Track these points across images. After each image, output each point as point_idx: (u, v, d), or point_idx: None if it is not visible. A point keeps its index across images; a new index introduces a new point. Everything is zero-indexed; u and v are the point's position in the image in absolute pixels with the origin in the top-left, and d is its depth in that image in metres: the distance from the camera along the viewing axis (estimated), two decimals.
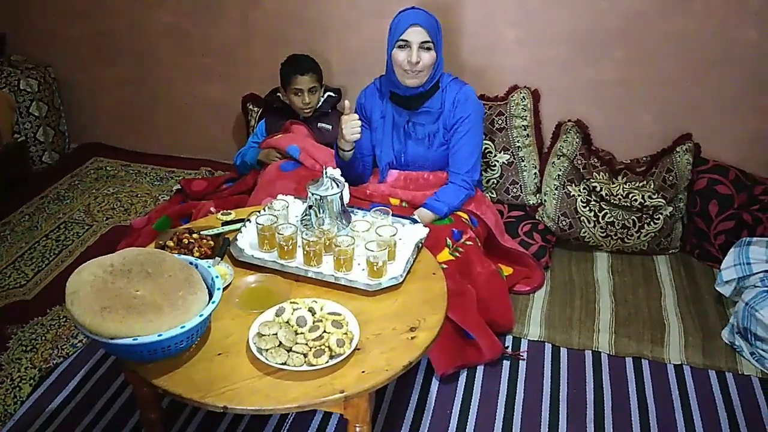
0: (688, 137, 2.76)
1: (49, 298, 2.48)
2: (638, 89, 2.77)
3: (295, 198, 2.12)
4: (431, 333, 1.61)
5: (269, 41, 3.09)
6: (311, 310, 1.58)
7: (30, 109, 3.29)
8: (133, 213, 3.06)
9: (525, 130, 2.84)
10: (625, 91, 2.79)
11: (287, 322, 1.55)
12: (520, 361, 2.22)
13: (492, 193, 2.88)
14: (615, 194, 2.68)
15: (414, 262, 1.85)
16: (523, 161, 2.85)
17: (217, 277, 1.55)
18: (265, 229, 1.84)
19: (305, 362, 1.46)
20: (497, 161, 2.84)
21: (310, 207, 1.91)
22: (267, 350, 1.47)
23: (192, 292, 1.47)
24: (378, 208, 1.99)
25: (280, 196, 2.07)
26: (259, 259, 1.83)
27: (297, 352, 1.47)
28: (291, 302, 1.61)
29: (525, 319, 2.39)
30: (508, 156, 2.84)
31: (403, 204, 2.45)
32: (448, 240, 2.28)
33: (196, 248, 1.83)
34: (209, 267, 1.58)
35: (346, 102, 2.26)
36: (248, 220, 1.98)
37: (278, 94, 2.89)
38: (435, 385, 2.12)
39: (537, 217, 2.82)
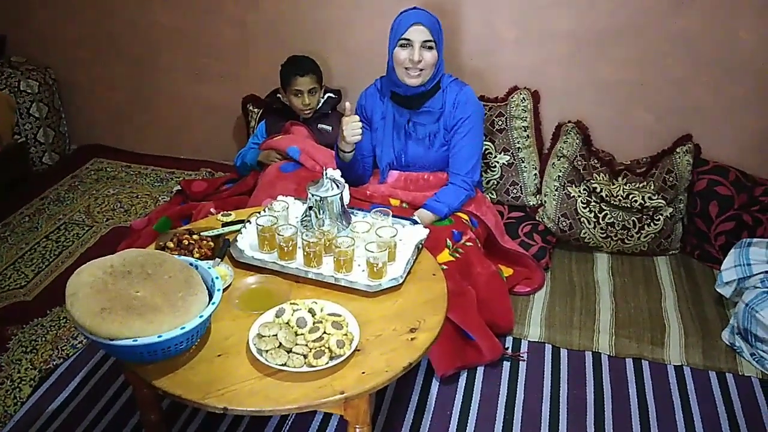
0: (688, 138, 2.76)
1: (49, 299, 2.48)
2: (638, 90, 2.77)
3: (295, 199, 2.12)
4: (431, 334, 1.60)
5: (269, 42, 3.09)
6: (311, 311, 1.58)
7: (30, 110, 3.29)
8: (133, 214, 3.07)
9: (525, 131, 2.84)
10: (625, 92, 2.79)
11: (287, 323, 1.55)
12: (521, 362, 2.22)
13: (492, 194, 2.88)
14: (615, 195, 2.68)
15: (414, 263, 1.85)
16: (523, 162, 2.85)
17: (217, 278, 1.55)
18: (265, 230, 1.84)
19: (305, 363, 1.46)
20: (497, 162, 2.84)
21: (310, 208, 1.91)
22: (267, 351, 1.47)
23: (192, 293, 1.46)
24: (378, 209, 1.99)
25: (280, 197, 2.07)
26: (259, 260, 1.83)
27: (297, 353, 1.47)
28: (291, 303, 1.61)
29: (525, 320, 2.39)
30: (508, 157, 2.84)
31: (404, 205, 2.45)
32: (448, 241, 2.28)
33: (196, 249, 1.83)
34: (209, 268, 1.58)
35: (347, 103, 2.26)
36: (248, 221, 1.98)
37: (278, 95, 2.90)
38: (435, 386, 2.12)
39: (537, 218, 2.82)
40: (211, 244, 1.88)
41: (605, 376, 2.18)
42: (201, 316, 1.43)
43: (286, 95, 2.81)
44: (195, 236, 1.88)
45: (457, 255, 2.26)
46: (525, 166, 2.85)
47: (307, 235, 1.78)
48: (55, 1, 3.32)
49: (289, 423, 1.99)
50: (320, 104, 2.85)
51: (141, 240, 2.53)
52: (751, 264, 2.32)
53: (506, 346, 2.27)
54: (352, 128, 2.25)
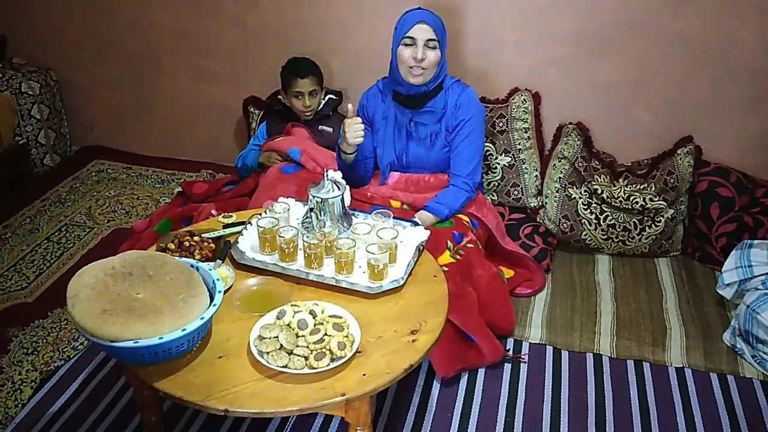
0: (689, 139, 2.76)
1: (50, 301, 2.48)
2: (639, 91, 2.77)
3: (296, 201, 2.12)
4: (432, 336, 1.60)
5: (270, 44, 3.09)
6: (312, 313, 1.58)
7: (31, 111, 3.29)
8: (134, 216, 3.07)
9: (526, 132, 2.84)
10: (625, 94, 2.79)
11: (288, 325, 1.55)
12: (522, 364, 2.22)
13: (493, 196, 2.88)
14: (616, 197, 2.67)
15: (415, 264, 1.85)
16: (524, 164, 2.85)
17: (218, 279, 1.55)
18: (266, 231, 1.84)
19: (306, 365, 1.46)
20: (498, 164, 2.84)
21: (311, 210, 1.91)
22: (268, 353, 1.47)
23: (193, 295, 1.46)
24: (379, 210, 1.99)
25: (281, 199, 2.07)
26: (260, 261, 1.83)
27: (298, 355, 1.47)
28: (292, 305, 1.61)
29: (526, 322, 2.39)
30: (509, 158, 2.84)
31: (404, 206, 2.45)
32: (449, 243, 2.28)
33: (197, 251, 1.83)
34: (210, 270, 1.58)
35: (350, 105, 2.26)
36: (249, 222, 1.98)
37: (279, 96, 2.90)
38: (436, 387, 2.12)
39: (538, 220, 2.82)
40: (212, 245, 1.88)
41: (606, 377, 2.17)
42: (202, 318, 1.43)
43: (287, 97, 2.82)
44: (196, 238, 1.88)
45: (458, 257, 2.26)
46: (526, 168, 2.85)
47: (308, 237, 1.78)
48: (56, 2, 3.32)
49: (290, 425, 1.99)
50: (321, 106, 2.85)
51: (142, 242, 2.53)
52: (752, 266, 2.32)
53: (507, 348, 2.27)
54: (354, 130, 2.25)
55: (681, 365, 2.22)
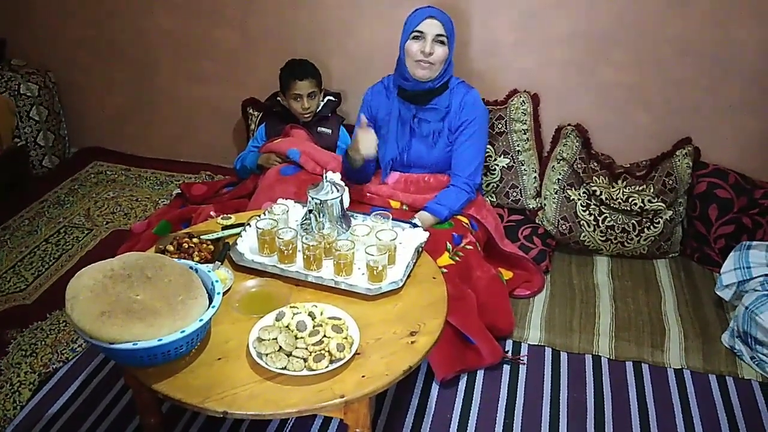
0: (687, 141, 2.77)
1: (48, 303, 2.48)
2: (638, 93, 2.78)
3: (295, 202, 2.12)
4: (431, 337, 1.61)
5: (269, 46, 3.10)
6: (311, 315, 1.58)
7: (30, 113, 3.29)
8: (132, 217, 3.07)
9: (525, 134, 2.85)
10: (624, 95, 2.80)
11: (287, 326, 1.55)
12: (521, 366, 2.22)
13: (492, 197, 2.88)
14: (615, 198, 2.68)
15: (414, 266, 1.85)
16: (522, 165, 2.85)
17: (216, 281, 1.55)
18: (265, 233, 1.84)
19: (305, 367, 1.46)
20: (497, 165, 2.85)
21: (310, 211, 1.91)
22: (267, 355, 1.47)
23: (192, 297, 1.47)
24: (378, 212, 1.99)
25: (280, 201, 2.07)
26: (259, 263, 1.83)
27: (297, 357, 1.47)
28: (291, 307, 1.61)
29: (525, 323, 2.39)
30: (508, 160, 2.84)
31: (404, 207, 2.45)
32: (448, 244, 2.28)
33: (196, 253, 1.84)
34: (209, 271, 1.58)
35: (363, 117, 2.26)
36: (248, 224, 1.98)
37: (278, 98, 2.90)
38: (435, 389, 2.12)
39: (537, 221, 2.82)
40: (211, 247, 1.88)
41: (605, 379, 2.18)
42: (201, 320, 1.43)
43: (286, 99, 2.82)
44: (195, 240, 1.88)
45: (457, 258, 2.26)
46: (525, 169, 2.85)
47: (307, 239, 1.78)
48: (55, 4, 3.32)
49: (289, 427, 1.99)
50: (320, 107, 2.85)
51: (141, 243, 2.53)
52: (750, 267, 2.32)
53: (506, 350, 2.27)
54: (367, 140, 2.26)
55: (680, 367, 2.22)
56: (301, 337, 1.52)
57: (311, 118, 2.83)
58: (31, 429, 1.96)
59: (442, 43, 2.29)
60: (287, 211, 1.96)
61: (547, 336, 2.34)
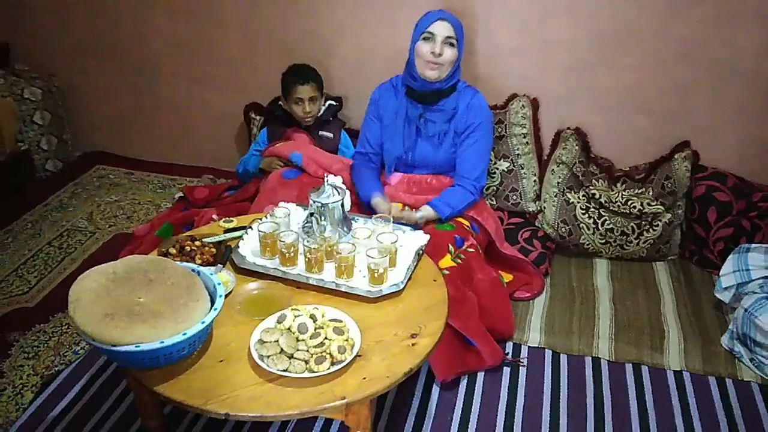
0: (686, 144, 2.78)
1: (51, 306, 2.49)
2: (637, 97, 2.79)
3: (296, 205, 2.13)
4: (432, 339, 1.61)
5: (271, 50, 3.11)
6: (312, 317, 1.59)
7: (33, 117, 3.31)
8: (135, 221, 3.08)
9: (524, 137, 2.86)
10: (623, 99, 2.80)
11: (288, 329, 1.56)
12: (521, 368, 2.23)
13: (492, 201, 2.89)
14: (614, 201, 2.69)
15: (415, 268, 1.86)
16: (522, 169, 2.86)
17: (219, 284, 1.56)
18: (266, 236, 1.85)
19: (306, 369, 1.47)
20: (497, 169, 2.86)
21: (311, 214, 1.92)
22: (268, 357, 1.48)
23: (194, 299, 1.47)
24: (379, 215, 2.00)
25: (281, 204, 2.09)
26: (260, 266, 1.84)
27: (298, 359, 1.48)
28: (292, 309, 1.62)
29: (525, 326, 2.40)
30: (508, 163, 2.86)
31: (406, 208, 2.46)
32: (451, 246, 2.29)
33: (198, 255, 1.84)
34: (211, 274, 1.59)
35: (394, 208, 2.35)
36: (250, 227, 1.99)
37: (280, 102, 2.91)
38: (436, 391, 2.13)
39: (536, 224, 2.83)
40: (213, 250, 1.89)
41: (605, 381, 2.18)
42: (203, 322, 1.44)
43: (287, 103, 2.83)
44: (197, 242, 1.89)
45: (459, 261, 2.27)
46: (524, 173, 2.86)
47: (308, 242, 1.79)
48: (58, 9, 3.34)
49: (290, 429, 1.99)
50: (321, 112, 2.86)
51: (143, 246, 2.54)
52: (749, 269, 2.33)
53: (506, 352, 2.28)
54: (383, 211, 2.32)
55: (679, 369, 2.23)
56: (303, 340, 1.53)
57: (313, 122, 2.84)
58: (33, 431, 1.97)
59: (451, 45, 2.32)
60: (289, 214, 1.97)
61: (547, 338, 2.34)
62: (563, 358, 2.27)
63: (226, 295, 1.68)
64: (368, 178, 2.49)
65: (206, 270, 1.61)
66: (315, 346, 1.50)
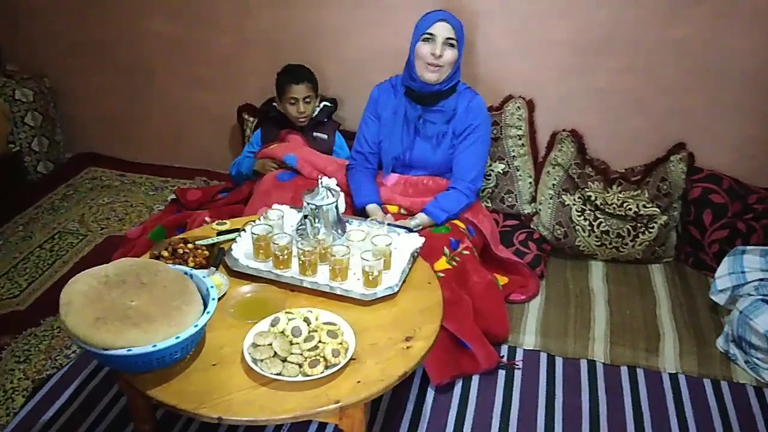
0: (682, 146, 2.78)
1: (42, 309, 2.47)
2: (632, 98, 2.79)
3: (290, 207, 2.12)
4: (427, 343, 1.61)
5: (265, 51, 3.10)
6: (306, 320, 1.58)
7: (25, 119, 3.29)
8: (127, 223, 3.06)
9: (520, 139, 2.85)
10: (619, 101, 2.80)
11: (282, 332, 1.55)
12: (516, 370, 2.22)
13: (487, 203, 2.88)
14: (610, 203, 2.68)
15: (409, 271, 1.85)
16: (518, 171, 2.85)
17: (212, 287, 1.55)
18: (260, 238, 1.84)
19: (300, 372, 1.46)
20: (492, 171, 2.85)
21: (305, 217, 1.91)
22: (262, 360, 1.47)
23: (187, 303, 1.46)
24: (373, 217, 1.99)
25: (275, 206, 2.07)
26: (254, 269, 1.83)
27: (292, 363, 1.47)
28: (286, 312, 1.61)
29: (520, 328, 2.39)
30: (503, 165, 2.85)
31: (401, 211, 2.46)
32: (446, 249, 2.28)
33: (191, 258, 1.83)
34: (204, 277, 1.58)
35: (388, 219, 2.33)
36: (243, 229, 1.98)
37: (274, 103, 2.90)
38: (430, 394, 2.12)
39: (532, 227, 2.82)
40: (206, 253, 1.88)
41: (600, 383, 2.18)
42: (196, 326, 1.43)
43: (282, 103, 2.82)
44: (190, 245, 1.88)
45: (454, 263, 2.26)
46: (520, 175, 2.85)
47: (302, 244, 1.78)
48: (50, 9, 3.32)
49: None
50: (316, 113, 2.85)
51: (135, 249, 2.52)
52: (745, 272, 2.33)
53: (501, 355, 2.27)
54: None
55: (674, 371, 2.23)
56: (296, 343, 1.52)
57: (307, 123, 2.83)
58: None
59: (452, 46, 2.32)
60: (282, 217, 1.96)
61: (542, 341, 2.34)
62: (558, 361, 2.27)
63: (219, 298, 1.66)
64: (365, 185, 2.48)
65: (199, 273, 1.60)
66: (309, 350, 1.49)
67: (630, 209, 2.67)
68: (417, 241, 1.97)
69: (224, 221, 2.12)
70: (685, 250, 2.78)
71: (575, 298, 2.57)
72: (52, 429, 1.98)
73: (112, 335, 1.35)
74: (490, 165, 2.85)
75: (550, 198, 2.79)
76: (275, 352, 1.48)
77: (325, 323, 1.59)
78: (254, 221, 1.97)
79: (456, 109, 2.42)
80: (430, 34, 2.31)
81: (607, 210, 2.68)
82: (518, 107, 2.84)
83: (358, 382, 1.47)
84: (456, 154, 2.46)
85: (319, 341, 1.52)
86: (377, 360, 1.54)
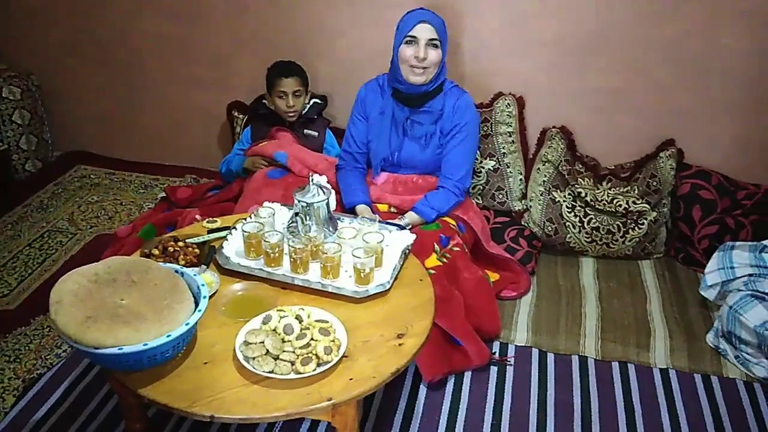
0: (671, 143, 2.79)
1: (32, 308, 2.45)
2: (622, 95, 2.80)
3: (281, 205, 2.11)
4: (419, 339, 1.61)
5: (256, 49, 3.09)
6: (298, 318, 1.58)
7: (13, 117, 3.26)
8: (117, 221, 3.04)
9: (510, 136, 2.86)
10: (608, 98, 2.82)
11: (274, 329, 1.54)
12: (508, 367, 2.23)
13: (478, 200, 2.89)
14: (600, 200, 2.69)
15: (401, 268, 1.85)
16: (508, 167, 2.86)
17: (203, 285, 1.54)
18: (251, 236, 1.83)
19: (292, 370, 1.46)
20: (483, 168, 2.86)
21: (296, 214, 1.90)
22: (254, 358, 1.46)
23: (178, 301, 1.46)
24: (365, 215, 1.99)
25: (266, 204, 2.07)
26: (245, 266, 1.82)
27: (284, 360, 1.46)
28: (278, 310, 1.60)
29: (512, 325, 2.40)
30: (494, 162, 2.86)
31: (392, 209, 2.45)
32: (436, 246, 2.28)
33: (182, 256, 1.83)
34: (195, 275, 1.58)
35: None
36: (234, 227, 1.97)
37: (264, 101, 2.89)
38: (423, 391, 2.12)
39: (523, 223, 2.83)
40: (197, 251, 1.87)
41: (591, 379, 2.19)
42: (187, 324, 1.43)
43: (271, 98, 2.81)
44: (180, 243, 1.87)
45: (445, 260, 2.26)
46: (510, 172, 2.86)
47: (293, 242, 1.78)
48: (37, 7, 3.29)
49: (277, 430, 1.98)
50: (306, 110, 2.85)
51: (126, 247, 2.51)
52: (734, 267, 2.35)
53: (493, 351, 2.28)
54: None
55: (665, 366, 2.24)
56: (288, 341, 1.51)
57: (297, 118, 2.82)
58: None
59: (435, 46, 2.30)
60: (273, 214, 1.96)
61: (533, 337, 2.34)
62: (550, 357, 2.28)
63: (211, 297, 1.66)
64: (354, 185, 2.47)
65: (190, 271, 1.59)
66: (301, 347, 1.49)
67: (620, 206, 2.68)
68: (408, 238, 1.98)
69: (215, 219, 2.11)
70: (675, 246, 2.80)
71: (566, 294, 2.58)
72: (43, 428, 1.97)
73: (102, 334, 1.34)
74: (481, 162, 2.85)
75: (541, 195, 2.79)
76: (267, 350, 1.48)
77: (317, 321, 1.58)
78: (245, 219, 1.96)
79: (443, 109, 2.42)
80: (413, 36, 2.29)
81: (597, 206, 2.69)
82: (508, 104, 2.84)
83: (351, 379, 1.47)
84: (444, 153, 2.46)
85: (311, 339, 1.52)
86: (369, 357, 1.54)
